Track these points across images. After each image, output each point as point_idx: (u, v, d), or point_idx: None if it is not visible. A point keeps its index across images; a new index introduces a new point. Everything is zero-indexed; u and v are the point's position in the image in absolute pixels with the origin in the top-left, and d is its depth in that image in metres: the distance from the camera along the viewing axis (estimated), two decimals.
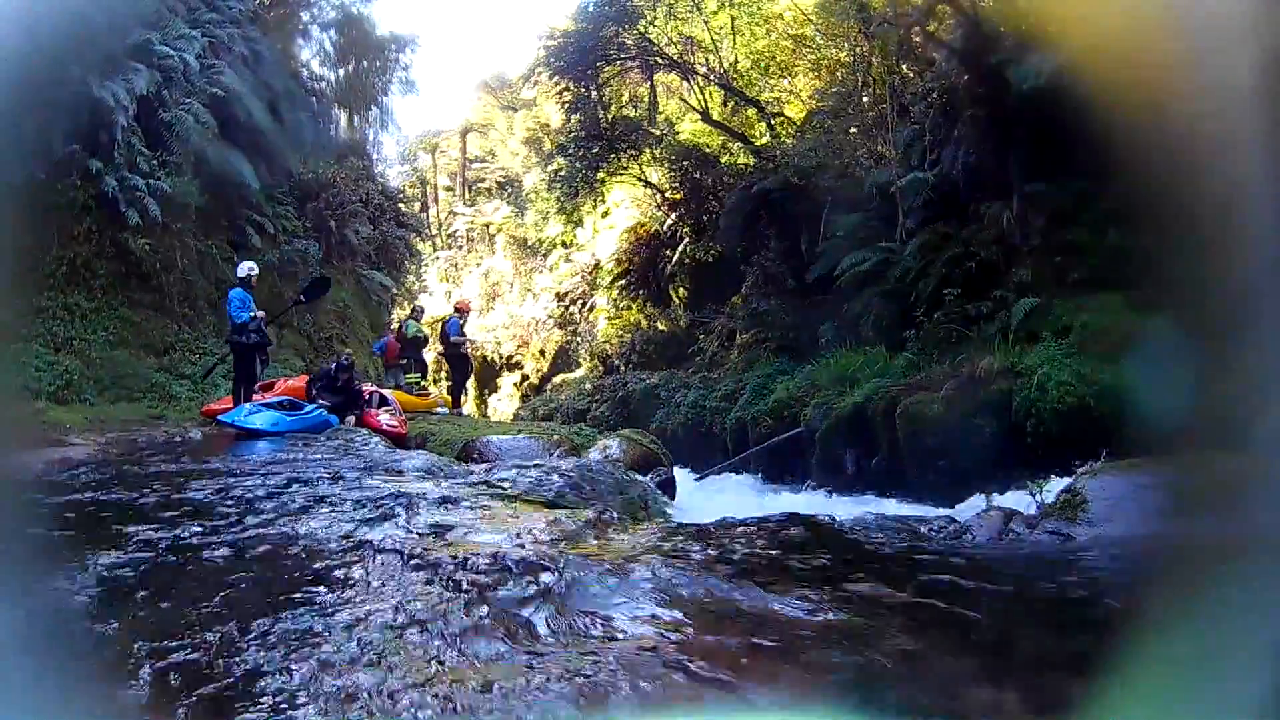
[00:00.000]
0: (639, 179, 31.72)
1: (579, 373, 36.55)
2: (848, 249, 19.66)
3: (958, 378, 14.44)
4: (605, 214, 36.90)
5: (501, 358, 45.57)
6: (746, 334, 23.67)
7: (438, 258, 56.57)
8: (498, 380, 45.54)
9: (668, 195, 31.27)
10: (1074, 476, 9.46)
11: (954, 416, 13.80)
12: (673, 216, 31.04)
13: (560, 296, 42.36)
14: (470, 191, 61.49)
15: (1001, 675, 4.23)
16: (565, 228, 40.23)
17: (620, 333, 32.79)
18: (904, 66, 21.12)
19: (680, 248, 29.97)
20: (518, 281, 49.66)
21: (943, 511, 11.25)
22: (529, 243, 48.64)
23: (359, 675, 3.99)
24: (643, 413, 24.56)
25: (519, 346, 44.50)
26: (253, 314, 14.50)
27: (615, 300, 34.27)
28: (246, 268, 14.86)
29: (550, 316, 42.29)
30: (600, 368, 33.35)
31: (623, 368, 30.48)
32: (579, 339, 39.51)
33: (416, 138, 59.52)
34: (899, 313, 17.67)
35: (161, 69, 19.22)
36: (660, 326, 30.52)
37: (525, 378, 42.91)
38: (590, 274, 39.12)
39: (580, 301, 40.44)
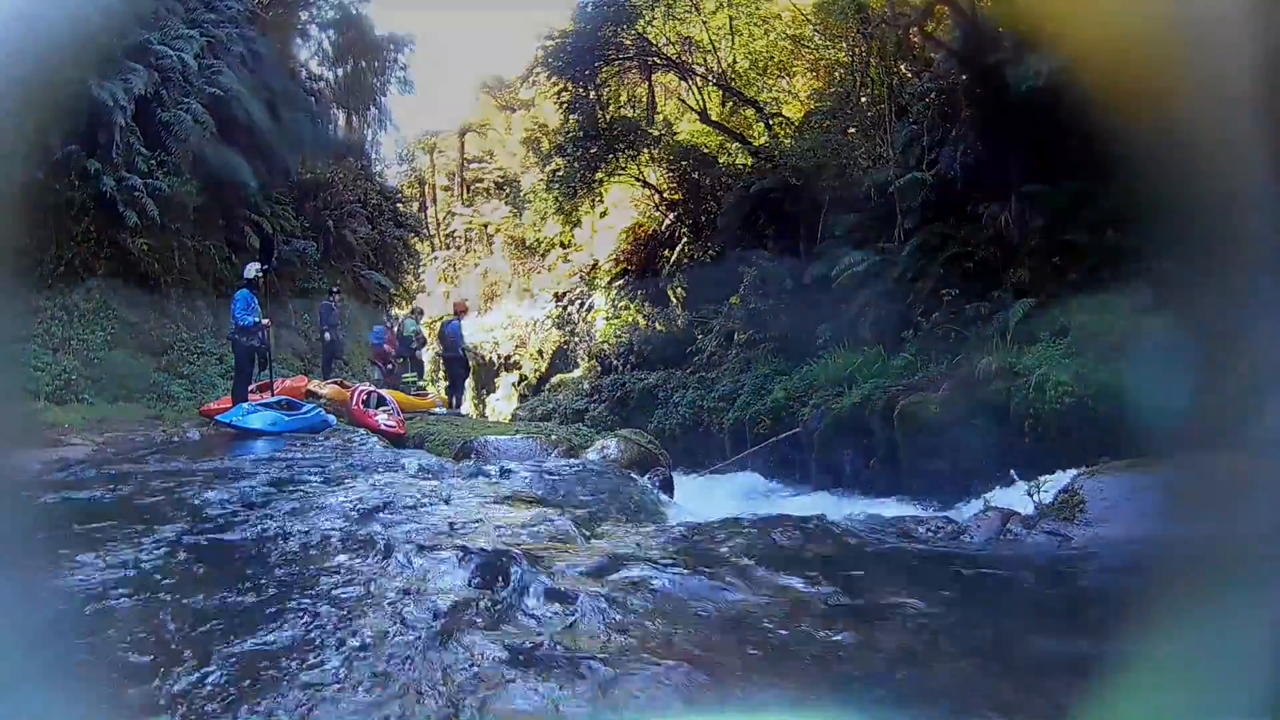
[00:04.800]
0: (637, 179, 31.58)
1: (577, 373, 36.51)
2: (846, 249, 19.65)
3: (955, 378, 14.45)
4: (603, 214, 36.79)
5: (500, 358, 45.44)
6: (744, 334, 23.62)
7: (435, 258, 56.49)
8: (496, 380, 45.40)
9: (666, 195, 31.20)
10: (1071, 477, 9.45)
11: (952, 417, 13.79)
12: (671, 217, 31.00)
13: (558, 297, 42.33)
14: (468, 192, 61.31)
15: (999, 675, 4.25)
16: (563, 228, 40.13)
17: (618, 333, 32.73)
18: (902, 67, 21.06)
19: (678, 248, 29.92)
20: (516, 282, 49.65)
21: (940, 512, 11.25)
22: (527, 243, 48.50)
23: (353, 671, 4.01)
24: (641, 413, 24.55)
25: (517, 346, 44.39)
26: (257, 320, 14.42)
27: (614, 300, 34.17)
28: (254, 269, 14.79)
29: (548, 317, 42.23)
30: (598, 368, 33.25)
31: (621, 368, 30.43)
32: (577, 339, 39.48)
33: (415, 138, 59.41)
34: (897, 313, 17.62)
35: (159, 69, 19.24)
36: (658, 327, 30.43)
37: (523, 378, 42.78)
38: (589, 274, 39.03)
39: (578, 302, 40.41)
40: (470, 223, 58.69)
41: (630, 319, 32.49)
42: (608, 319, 34.89)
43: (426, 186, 61.59)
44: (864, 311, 18.67)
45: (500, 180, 58.18)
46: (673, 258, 30.25)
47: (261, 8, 27.37)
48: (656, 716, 3.72)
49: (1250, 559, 3.31)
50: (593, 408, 28.65)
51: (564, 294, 42.08)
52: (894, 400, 15.09)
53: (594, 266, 38.28)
